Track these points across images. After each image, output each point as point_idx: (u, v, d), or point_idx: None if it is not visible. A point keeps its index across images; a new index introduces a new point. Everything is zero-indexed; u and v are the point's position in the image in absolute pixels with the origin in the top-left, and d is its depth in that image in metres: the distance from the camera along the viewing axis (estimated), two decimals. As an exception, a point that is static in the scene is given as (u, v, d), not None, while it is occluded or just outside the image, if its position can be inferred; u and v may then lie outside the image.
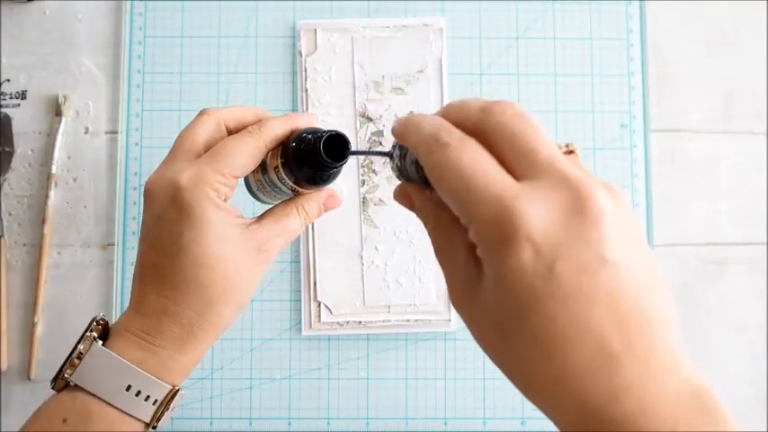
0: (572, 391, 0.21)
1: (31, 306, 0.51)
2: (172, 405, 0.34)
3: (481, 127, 0.25)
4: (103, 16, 0.54)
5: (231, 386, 0.51)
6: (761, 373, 0.53)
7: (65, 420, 0.32)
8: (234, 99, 0.53)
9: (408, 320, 0.51)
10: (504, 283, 0.22)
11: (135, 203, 0.52)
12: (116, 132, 0.53)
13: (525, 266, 0.21)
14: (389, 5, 0.54)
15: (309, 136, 0.34)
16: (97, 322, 0.34)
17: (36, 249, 0.52)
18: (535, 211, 0.22)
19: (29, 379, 0.50)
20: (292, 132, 0.36)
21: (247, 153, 0.34)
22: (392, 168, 0.30)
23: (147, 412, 0.33)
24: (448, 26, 0.54)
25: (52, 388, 0.33)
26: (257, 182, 0.38)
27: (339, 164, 0.34)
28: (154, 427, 0.34)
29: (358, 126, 0.53)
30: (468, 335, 0.52)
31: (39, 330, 0.51)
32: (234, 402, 0.51)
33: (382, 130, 0.52)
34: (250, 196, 0.41)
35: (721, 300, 0.53)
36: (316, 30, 0.53)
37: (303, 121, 0.36)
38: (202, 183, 0.33)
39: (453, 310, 0.51)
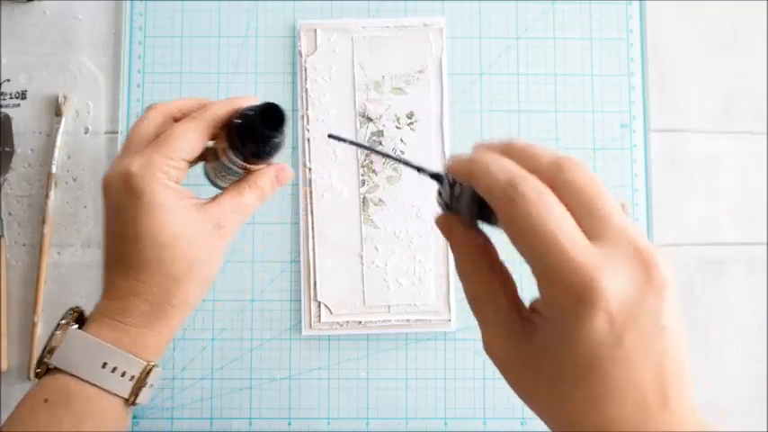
0: None
1: (31, 306, 0.51)
2: (149, 381, 0.35)
3: (553, 182, 0.25)
4: (103, 16, 0.54)
5: (231, 386, 0.51)
6: (761, 373, 0.53)
7: (46, 400, 0.33)
8: (234, 99, 0.53)
9: (408, 320, 0.51)
10: (570, 344, 0.24)
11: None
12: (116, 132, 0.53)
13: (597, 334, 0.23)
14: (389, 5, 0.54)
15: (246, 112, 0.36)
16: (73, 311, 0.36)
17: (36, 249, 0.52)
18: (614, 285, 0.23)
19: (29, 379, 0.50)
20: (234, 113, 0.37)
21: (191, 135, 0.36)
22: (439, 196, 0.29)
23: (124, 388, 0.34)
24: (448, 26, 0.54)
25: (35, 377, 0.34)
26: (212, 169, 0.40)
27: (277, 132, 0.35)
28: (133, 403, 0.35)
29: (358, 126, 0.53)
30: (467, 335, 0.53)
31: (39, 330, 0.51)
32: (234, 402, 0.51)
33: (382, 130, 0.52)
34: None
35: (721, 300, 0.53)
36: (316, 30, 0.53)
37: (243, 102, 0.37)
38: (152, 167, 0.35)
39: (453, 311, 0.51)
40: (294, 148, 0.53)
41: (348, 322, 0.51)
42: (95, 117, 0.53)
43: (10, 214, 0.52)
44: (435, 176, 0.29)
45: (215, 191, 0.39)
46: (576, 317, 0.23)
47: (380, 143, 0.52)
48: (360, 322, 0.51)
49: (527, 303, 0.27)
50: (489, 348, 0.27)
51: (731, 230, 0.54)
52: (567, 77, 0.54)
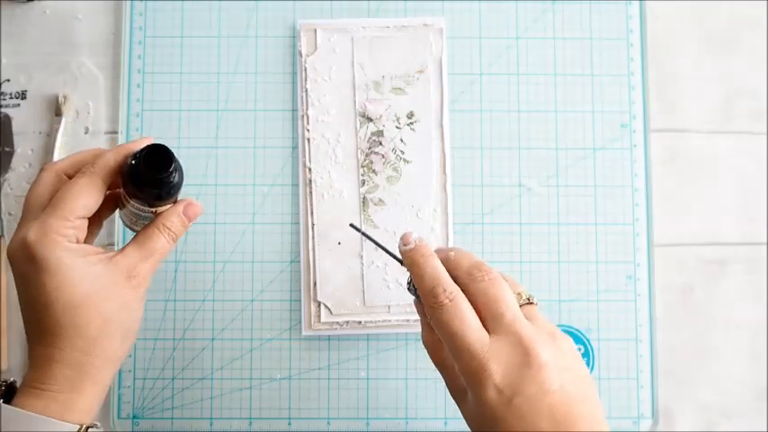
0: None
1: (31, 306, 0.51)
2: None
3: (467, 288, 0.36)
4: (103, 16, 0.54)
5: (231, 386, 0.51)
6: (761, 373, 0.53)
7: None
8: (234, 99, 0.53)
9: (408, 320, 0.51)
10: (478, 405, 0.34)
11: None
12: (116, 132, 0.53)
13: (492, 400, 0.33)
14: (389, 5, 0.54)
15: (131, 159, 0.35)
16: (2, 384, 0.36)
17: (36, 249, 0.52)
18: (498, 365, 0.33)
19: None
20: (126, 160, 0.37)
21: (84, 192, 0.36)
22: (407, 281, 0.40)
23: None
24: (448, 26, 0.54)
25: None
26: (124, 215, 0.40)
27: (166, 173, 0.35)
28: None
29: (358, 126, 0.53)
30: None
31: (39, 330, 0.51)
32: (234, 402, 0.51)
33: (382, 131, 0.52)
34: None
35: (721, 300, 0.53)
36: (316, 30, 0.53)
37: (136, 146, 0.37)
38: (50, 233, 0.35)
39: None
40: (294, 148, 0.53)
41: (348, 322, 0.51)
42: (95, 117, 0.53)
43: (10, 214, 0.52)
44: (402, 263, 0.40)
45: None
46: (475, 388, 0.33)
47: (380, 143, 0.52)
48: (360, 322, 0.51)
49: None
50: (451, 395, 0.39)
51: (731, 230, 0.54)
52: (567, 77, 0.54)
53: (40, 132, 0.53)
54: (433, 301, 0.35)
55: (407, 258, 0.38)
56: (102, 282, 0.35)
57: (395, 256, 0.41)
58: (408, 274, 0.39)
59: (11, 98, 0.53)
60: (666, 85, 0.55)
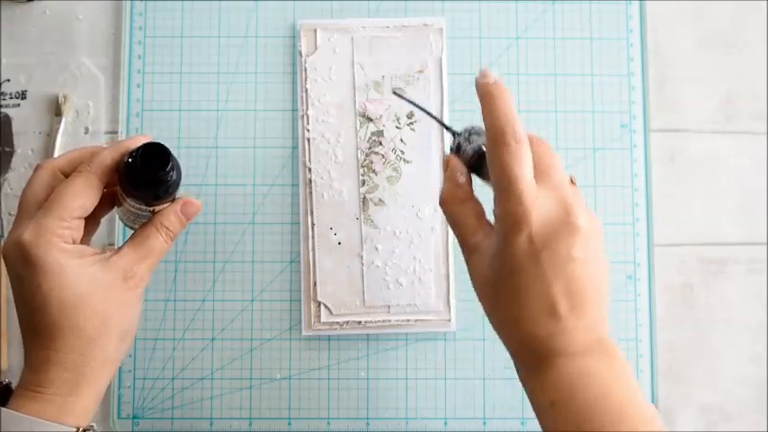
0: (525, 328, 0.34)
1: (31, 306, 0.51)
2: None
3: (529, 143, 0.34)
4: (103, 16, 0.54)
5: (231, 386, 0.51)
6: (761, 373, 0.53)
7: None
8: (234, 99, 0.53)
9: (408, 320, 0.51)
10: (504, 252, 0.34)
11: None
12: (116, 132, 0.53)
13: (520, 248, 0.33)
14: (389, 5, 0.54)
15: (128, 158, 0.35)
16: None
17: (36, 249, 0.52)
18: (538, 216, 0.33)
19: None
20: (123, 157, 0.36)
21: (80, 192, 0.35)
22: (453, 142, 0.39)
23: None
24: (448, 26, 0.54)
25: None
26: (121, 214, 0.40)
27: (164, 172, 0.35)
28: None
29: (358, 126, 0.53)
30: (467, 335, 0.53)
31: (39, 330, 0.51)
32: (234, 402, 0.51)
33: (382, 130, 0.52)
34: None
35: (721, 300, 0.53)
36: (316, 30, 0.53)
37: (133, 144, 0.37)
38: (45, 233, 0.34)
39: (453, 311, 0.51)
40: (294, 147, 0.53)
41: (348, 322, 0.51)
42: (95, 117, 0.53)
43: (10, 214, 0.52)
44: (454, 133, 0.39)
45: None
46: (511, 232, 0.33)
47: (380, 143, 0.52)
48: (360, 322, 0.51)
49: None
50: (464, 252, 0.37)
51: (731, 230, 0.54)
52: (567, 77, 0.54)
53: (40, 132, 0.53)
54: (503, 139, 0.33)
55: (484, 90, 0.35)
56: (98, 283, 0.35)
57: (442, 123, 0.41)
58: (454, 134, 0.39)
59: (11, 98, 0.53)
60: (666, 85, 0.55)
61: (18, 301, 0.36)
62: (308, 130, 0.52)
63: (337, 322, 0.51)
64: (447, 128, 0.39)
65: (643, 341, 0.52)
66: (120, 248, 0.37)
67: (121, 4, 0.54)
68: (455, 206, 0.37)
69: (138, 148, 0.35)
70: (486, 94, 0.35)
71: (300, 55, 0.53)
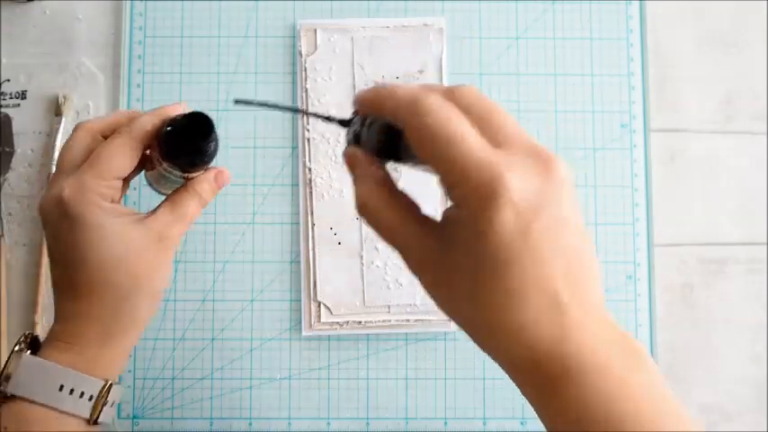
0: (528, 337, 0.25)
1: (30, 306, 0.51)
2: (110, 399, 0.35)
3: (451, 101, 0.26)
4: (103, 16, 0.54)
5: (231, 386, 0.51)
6: (761, 373, 0.53)
7: (5, 429, 0.33)
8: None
9: (408, 320, 0.51)
10: (484, 240, 0.24)
11: (135, 203, 0.52)
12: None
13: (506, 225, 0.24)
14: (389, 5, 0.54)
15: (172, 124, 0.35)
16: (25, 337, 0.36)
17: (36, 249, 0.52)
18: (517, 179, 0.24)
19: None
20: (163, 123, 0.36)
21: (121, 153, 0.36)
22: (348, 135, 0.31)
23: (84, 408, 0.34)
24: (448, 26, 0.54)
25: None
26: (152, 177, 0.40)
27: (206, 141, 0.35)
28: (96, 423, 0.35)
29: (358, 126, 0.53)
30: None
31: (39, 330, 0.51)
32: (234, 402, 0.51)
33: (382, 130, 0.52)
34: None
35: (721, 300, 0.53)
36: (316, 30, 0.53)
37: (172, 111, 0.37)
38: (85, 190, 0.34)
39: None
40: (294, 147, 0.53)
41: (348, 322, 0.51)
42: (95, 117, 0.53)
43: (10, 214, 0.52)
44: (344, 123, 0.31)
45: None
46: (484, 211, 0.24)
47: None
48: (360, 322, 0.51)
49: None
50: (413, 269, 0.28)
51: (731, 230, 0.54)
52: (567, 77, 0.54)
53: (40, 132, 0.53)
54: (420, 104, 0.25)
55: (369, 94, 0.29)
56: (135, 242, 0.35)
57: (314, 114, 0.33)
58: (343, 123, 0.31)
59: (11, 98, 0.53)
60: (666, 85, 0.55)
61: (55, 256, 0.36)
62: (308, 130, 0.52)
63: (337, 322, 0.51)
64: (329, 119, 0.32)
65: (643, 341, 0.52)
66: (154, 211, 0.37)
67: (121, 4, 0.54)
68: (382, 210, 0.28)
69: (183, 116, 0.35)
70: (372, 96, 0.28)
71: (300, 55, 0.53)
